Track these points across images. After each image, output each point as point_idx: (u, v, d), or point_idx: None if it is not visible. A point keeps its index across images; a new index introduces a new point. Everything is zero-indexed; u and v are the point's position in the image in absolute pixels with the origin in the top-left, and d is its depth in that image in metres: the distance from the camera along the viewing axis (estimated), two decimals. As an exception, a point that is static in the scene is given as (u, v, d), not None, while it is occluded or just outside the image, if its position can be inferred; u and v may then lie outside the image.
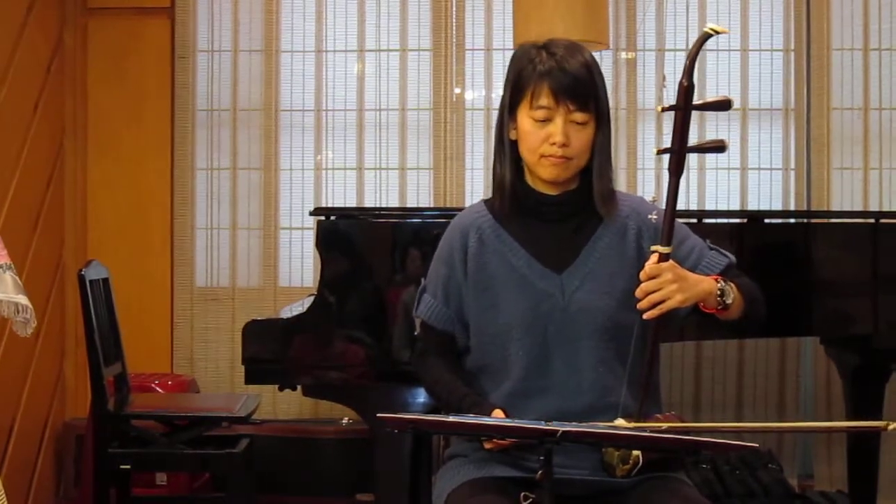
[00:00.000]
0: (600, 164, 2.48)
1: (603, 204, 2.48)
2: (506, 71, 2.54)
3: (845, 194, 5.25)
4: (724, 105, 2.38)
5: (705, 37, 2.25)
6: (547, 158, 2.42)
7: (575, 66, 2.41)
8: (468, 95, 5.38)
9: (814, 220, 4.31)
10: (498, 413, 2.39)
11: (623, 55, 5.29)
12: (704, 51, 5.38)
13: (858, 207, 5.21)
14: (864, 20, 5.26)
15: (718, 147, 2.40)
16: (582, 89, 2.41)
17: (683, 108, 2.28)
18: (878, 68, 5.27)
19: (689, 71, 2.28)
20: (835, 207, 5.21)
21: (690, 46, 2.28)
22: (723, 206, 5.25)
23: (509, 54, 5.21)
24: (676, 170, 2.33)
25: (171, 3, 5.36)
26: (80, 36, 5.34)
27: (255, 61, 5.41)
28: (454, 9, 5.35)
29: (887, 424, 2.11)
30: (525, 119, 2.44)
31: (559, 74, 2.40)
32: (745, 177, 5.30)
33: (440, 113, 5.34)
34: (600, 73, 2.47)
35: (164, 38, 5.38)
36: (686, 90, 2.28)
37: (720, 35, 2.26)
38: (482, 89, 5.37)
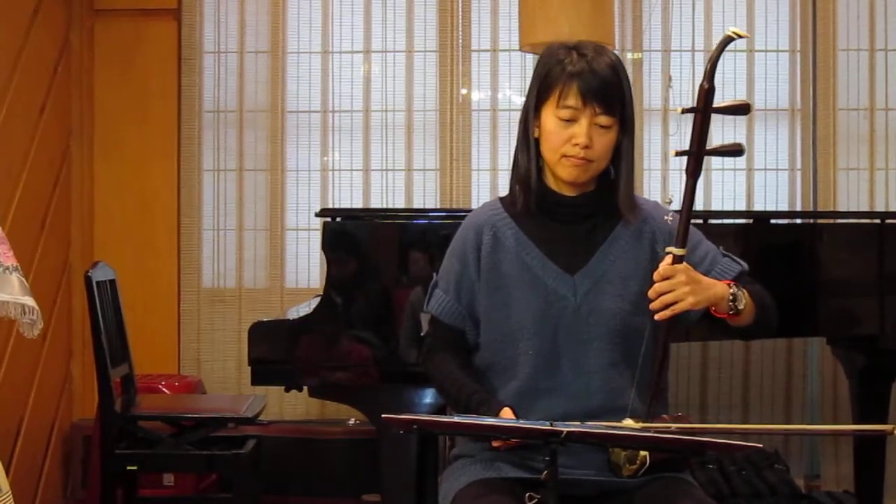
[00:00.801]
0: (626, 171, 2.48)
1: (628, 209, 2.48)
2: (533, 69, 2.54)
3: (851, 195, 5.25)
4: (742, 109, 2.38)
5: (727, 40, 2.26)
6: (568, 159, 2.42)
7: (605, 70, 2.41)
8: (474, 96, 5.38)
9: (820, 221, 4.31)
10: (506, 411, 2.39)
11: (629, 55, 5.29)
12: (710, 52, 5.39)
13: (864, 208, 5.21)
14: (871, 21, 5.26)
15: (736, 150, 2.40)
16: (610, 93, 2.41)
17: (703, 110, 2.29)
18: (884, 69, 5.27)
19: (710, 74, 2.28)
20: (841, 208, 5.20)
21: (712, 49, 2.29)
22: (729, 207, 5.25)
23: (515, 55, 5.30)
24: (694, 172, 2.33)
25: (178, 5, 5.38)
26: (87, 37, 5.35)
27: (261, 62, 5.42)
28: (460, 10, 5.35)
29: (893, 428, 2.11)
30: (550, 118, 2.44)
31: (589, 76, 2.40)
32: (751, 177, 5.30)
33: (446, 114, 5.34)
34: (628, 80, 2.47)
35: (170, 40, 5.39)
36: (706, 93, 2.28)
37: (742, 37, 2.26)
38: (488, 90, 5.37)
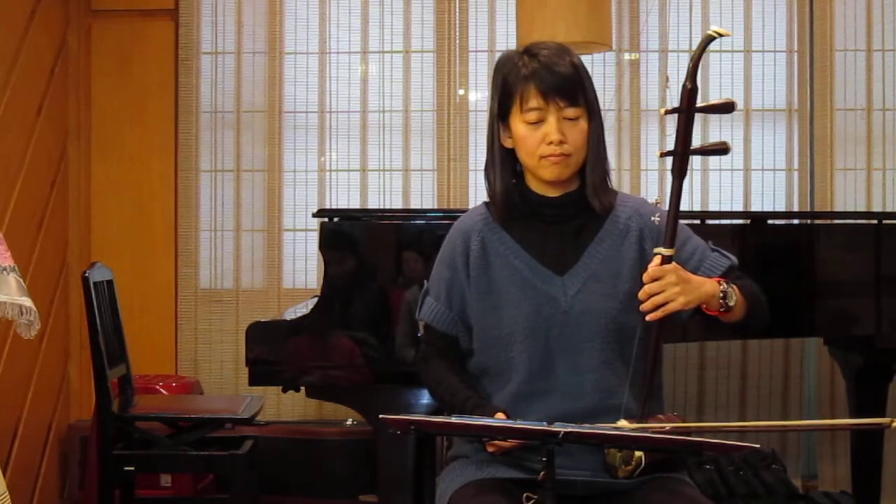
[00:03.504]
0: (594, 157, 2.47)
1: (595, 195, 2.47)
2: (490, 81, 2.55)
3: (848, 195, 5.25)
4: (727, 108, 2.38)
5: (708, 39, 2.26)
6: (546, 159, 2.43)
7: (558, 64, 2.42)
8: (472, 97, 5.39)
9: (817, 221, 4.31)
10: (500, 416, 2.39)
11: (626, 56, 5.29)
12: (708, 52, 5.37)
13: (861, 208, 5.22)
14: (868, 21, 5.27)
15: (721, 149, 2.41)
16: (569, 84, 2.41)
17: (686, 110, 2.29)
18: (881, 69, 5.27)
19: (692, 73, 2.29)
20: (838, 208, 5.21)
21: (694, 49, 2.29)
22: (726, 207, 5.25)
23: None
24: (680, 172, 2.33)
25: (175, 5, 5.38)
26: (84, 38, 5.35)
27: (258, 63, 5.42)
28: (457, 10, 5.36)
29: (892, 421, 2.11)
30: (518, 124, 2.44)
31: (544, 73, 2.41)
32: (748, 178, 5.30)
33: (444, 114, 5.34)
34: (584, 67, 2.48)
35: (167, 40, 5.39)
36: (689, 92, 2.28)
37: (723, 36, 2.27)
38: (485, 91, 5.37)
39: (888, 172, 5.26)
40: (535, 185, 2.52)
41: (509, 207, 2.51)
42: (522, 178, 2.53)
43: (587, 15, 4.46)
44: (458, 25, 5.37)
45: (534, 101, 2.41)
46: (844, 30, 5.26)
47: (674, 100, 5.09)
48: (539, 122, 2.42)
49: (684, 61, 5.26)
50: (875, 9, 5.26)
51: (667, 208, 2.36)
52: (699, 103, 2.31)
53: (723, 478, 4.78)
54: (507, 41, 5.24)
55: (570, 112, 2.41)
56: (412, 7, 5.38)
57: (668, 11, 5.30)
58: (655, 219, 2.50)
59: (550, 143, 2.41)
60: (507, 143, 2.49)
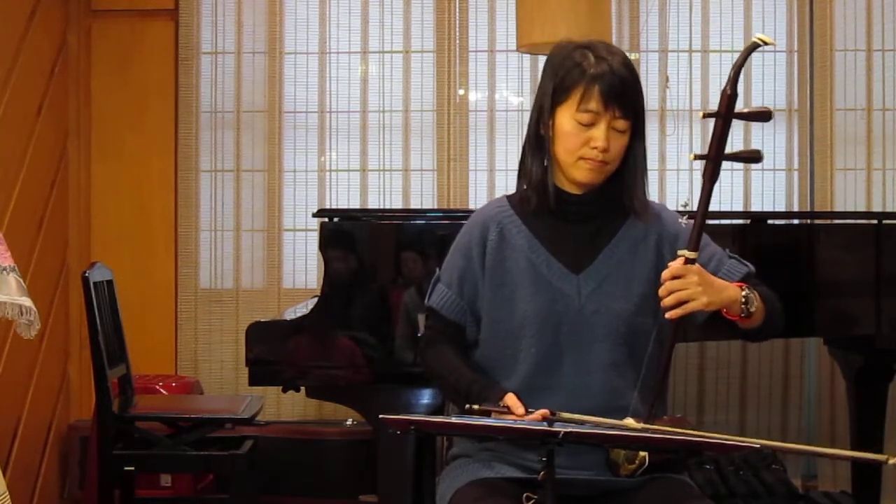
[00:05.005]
0: (640, 174, 2.50)
1: (643, 212, 2.48)
2: (542, 69, 2.52)
3: (848, 195, 5.25)
4: (764, 116, 2.38)
5: (753, 47, 2.26)
6: (586, 161, 2.42)
7: (625, 73, 2.42)
8: (472, 97, 5.38)
9: (817, 221, 4.32)
10: (510, 397, 2.36)
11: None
12: (707, 52, 5.42)
13: (861, 208, 5.21)
14: (868, 21, 5.26)
15: (754, 157, 2.41)
16: (630, 97, 2.42)
17: (725, 116, 2.29)
18: (881, 69, 5.27)
19: (734, 80, 2.28)
20: (838, 208, 5.20)
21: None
22: (726, 208, 5.24)
23: (512, 56, 5.30)
24: (711, 176, 2.33)
25: (175, 5, 5.38)
26: (84, 38, 5.35)
27: (258, 63, 5.42)
28: (457, 10, 5.36)
29: (888, 458, 2.09)
30: (567, 119, 2.43)
31: (613, 79, 2.39)
32: (748, 177, 5.30)
33: (444, 114, 5.34)
34: (640, 82, 2.49)
35: (167, 40, 5.39)
36: (729, 98, 2.28)
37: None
38: (485, 91, 5.38)
39: (888, 172, 5.26)
40: (559, 182, 2.51)
41: (547, 199, 2.49)
42: (547, 172, 2.51)
43: (587, 15, 4.46)
44: (458, 25, 5.37)
45: (594, 104, 2.39)
46: (844, 30, 5.26)
47: (674, 100, 5.16)
48: (590, 124, 2.41)
49: (684, 61, 5.27)
50: (875, 9, 5.26)
51: (686, 213, 2.36)
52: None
53: (723, 478, 4.78)
54: (507, 41, 5.23)
55: (620, 124, 2.41)
56: (412, 7, 5.38)
57: (668, 11, 5.29)
58: (683, 221, 2.50)
59: (595, 147, 2.40)
60: (542, 130, 2.48)
